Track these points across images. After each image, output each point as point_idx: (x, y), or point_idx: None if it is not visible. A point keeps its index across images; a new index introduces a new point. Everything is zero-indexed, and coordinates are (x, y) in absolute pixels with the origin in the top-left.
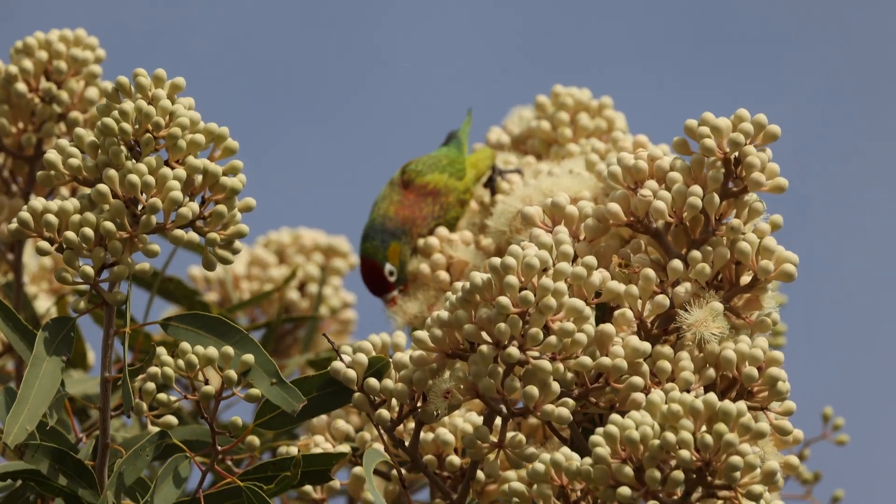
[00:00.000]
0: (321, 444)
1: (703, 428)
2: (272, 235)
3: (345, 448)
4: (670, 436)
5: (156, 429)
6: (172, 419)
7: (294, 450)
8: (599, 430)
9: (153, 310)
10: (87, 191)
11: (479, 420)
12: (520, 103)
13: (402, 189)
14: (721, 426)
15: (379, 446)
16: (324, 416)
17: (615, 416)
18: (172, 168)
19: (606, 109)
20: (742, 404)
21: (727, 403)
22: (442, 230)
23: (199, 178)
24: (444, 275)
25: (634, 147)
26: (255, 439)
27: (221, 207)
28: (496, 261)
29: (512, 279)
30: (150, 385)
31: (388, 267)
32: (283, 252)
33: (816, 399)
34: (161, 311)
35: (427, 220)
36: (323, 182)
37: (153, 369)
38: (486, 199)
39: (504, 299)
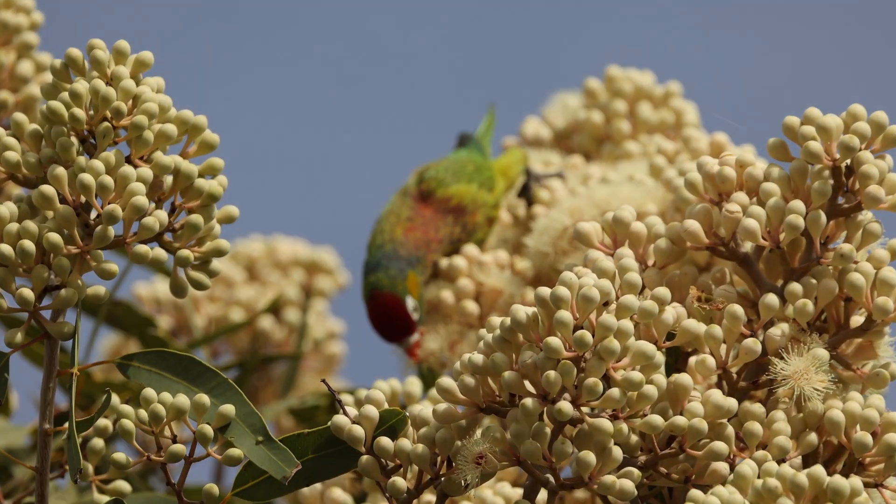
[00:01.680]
0: None
1: None
2: (240, 245)
3: None
4: None
5: (103, 497)
6: (125, 485)
7: None
8: None
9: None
10: (28, 193)
11: (516, 493)
12: (565, 87)
13: (416, 202)
14: None
15: None
16: (318, 485)
17: (695, 493)
18: (136, 166)
19: (674, 98)
20: (857, 480)
21: (838, 479)
22: (471, 249)
23: (168, 179)
24: (471, 305)
25: (712, 148)
26: None
27: (196, 217)
28: (545, 291)
29: (565, 315)
30: (98, 441)
31: (411, 302)
32: (254, 267)
33: None
34: (101, 342)
35: (443, 244)
36: (306, 181)
37: (103, 421)
38: (521, 212)
39: (554, 341)
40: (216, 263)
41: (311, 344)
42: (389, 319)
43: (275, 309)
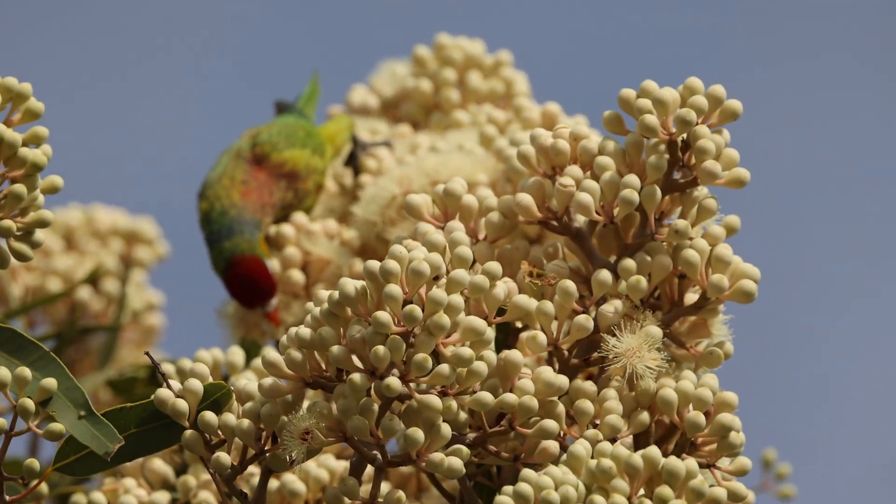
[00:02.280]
0: (132, 491)
1: (642, 491)
2: (58, 214)
3: (163, 497)
4: (600, 500)
5: None
6: None
7: (98, 498)
8: (507, 488)
9: None
10: None
11: (339, 466)
12: (392, 55)
13: (251, 165)
14: (665, 490)
15: (210, 498)
16: None
17: (528, 473)
18: None
19: (504, 68)
20: (692, 462)
21: (674, 461)
22: (300, 217)
23: None
24: (297, 275)
25: (543, 118)
26: (43, 486)
27: (19, 187)
28: (374, 265)
29: (394, 289)
30: None
31: (270, 264)
32: (72, 236)
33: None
34: None
35: (275, 209)
36: (125, 145)
37: None
38: (348, 181)
39: (383, 315)
40: (39, 234)
41: (129, 315)
42: (254, 284)
43: (93, 279)
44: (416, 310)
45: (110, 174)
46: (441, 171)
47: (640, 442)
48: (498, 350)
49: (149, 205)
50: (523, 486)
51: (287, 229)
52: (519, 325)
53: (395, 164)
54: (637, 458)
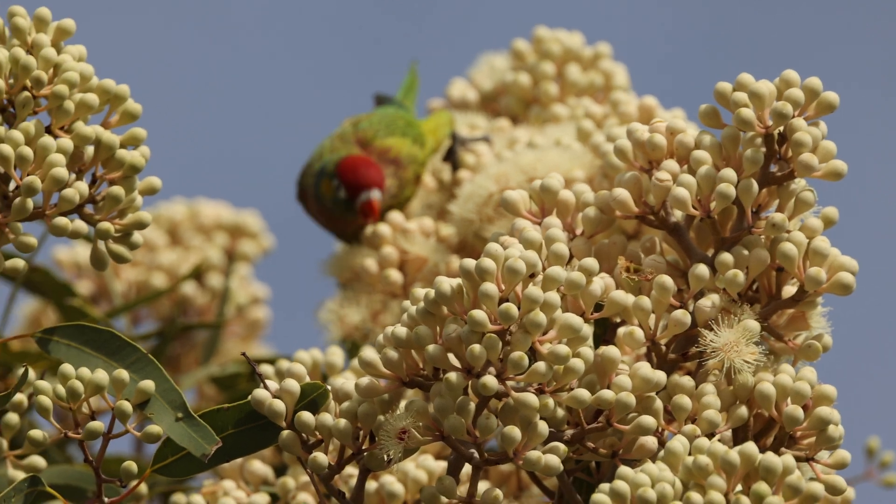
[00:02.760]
0: (231, 493)
1: (739, 487)
2: (162, 209)
3: (262, 499)
4: (696, 497)
5: (18, 473)
6: (40, 460)
7: (198, 500)
8: (604, 486)
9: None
10: None
11: (437, 466)
12: (492, 49)
13: (358, 146)
14: (762, 486)
15: (309, 499)
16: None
17: (625, 470)
18: (56, 137)
19: (603, 60)
20: (789, 458)
21: (771, 457)
22: (395, 215)
23: (89, 150)
24: (395, 274)
25: (640, 112)
26: (142, 486)
27: (117, 189)
28: (470, 263)
29: (490, 287)
30: (12, 416)
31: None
32: (176, 231)
33: (856, 426)
34: (19, 308)
35: (387, 195)
36: (230, 143)
37: (19, 396)
38: (446, 177)
39: (479, 313)
40: (137, 236)
41: (234, 309)
42: (363, 165)
43: (197, 275)
44: (511, 308)
45: (215, 168)
46: (538, 168)
47: (738, 436)
48: (596, 345)
49: (253, 198)
50: (620, 484)
51: (383, 228)
52: (617, 320)
53: (492, 159)
54: (734, 454)
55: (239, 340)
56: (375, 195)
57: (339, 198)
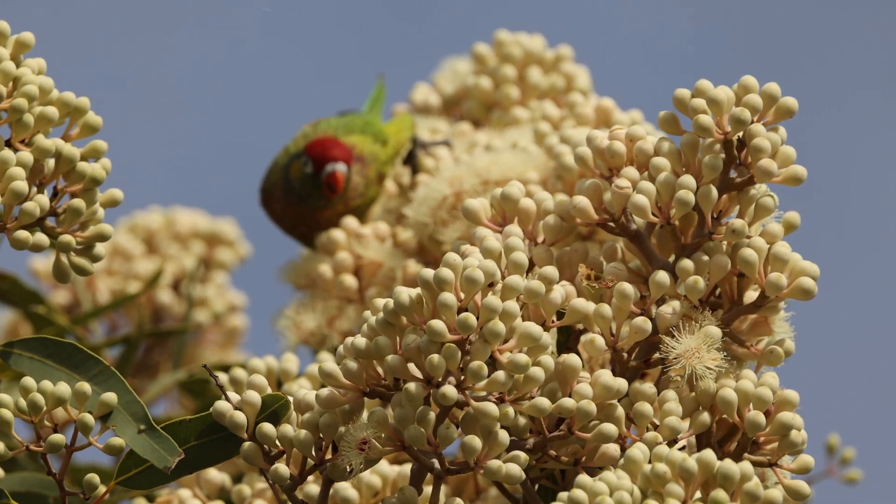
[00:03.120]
0: (188, 502)
1: (697, 495)
2: (139, 218)
3: None
4: None
5: None
6: None
7: None
8: (563, 495)
9: None
10: None
11: (392, 471)
12: (454, 53)
13: None
14: (720, 494)
15: None
16: None
17: (583, 479)
18: (16, 150)
19: (565, 63)
20: (747, 465)
21: (728, 464)
22: (349, 221)
23: (50, 163)
24: (350, 280)
25: (597, 114)
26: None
27: (78, 202)
28: (428, 273)
29: (448, 297)
30: None
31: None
32: (153, 239)
33: (816, 423)
34: None
35: (355, 194)
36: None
37: None
38: (406, 180)
39: (438, 324)
40: (99, 248)
41: (211, 317)
42: (332, 142)
43: (176, 282)
44: (470, 318)
45: (189, 177)
46: (492, 170)
47: (702, 443)
48: (560, 353)
49: (228, 206)
50: (577, 493)
51: (338, 234)
52: (580, 327)
53: (452, 163)
54: (691, 461)
55: (217, 348)
56: (341, 167)
57: (306, 173)
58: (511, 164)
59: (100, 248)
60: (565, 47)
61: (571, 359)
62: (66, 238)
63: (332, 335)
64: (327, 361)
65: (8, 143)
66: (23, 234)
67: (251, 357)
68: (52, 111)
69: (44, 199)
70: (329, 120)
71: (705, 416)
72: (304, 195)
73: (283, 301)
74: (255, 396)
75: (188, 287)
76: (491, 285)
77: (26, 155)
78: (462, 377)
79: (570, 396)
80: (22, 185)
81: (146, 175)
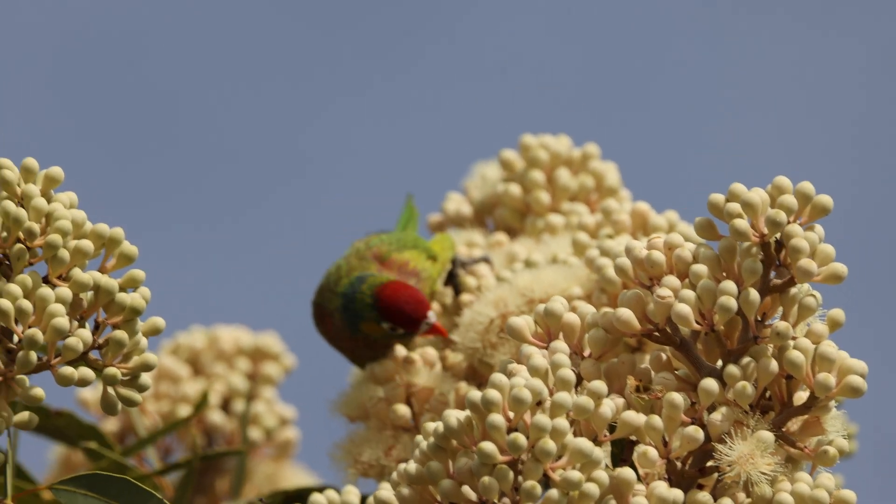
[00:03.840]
0: None
1: None
2: (181, 338)
3: None
4: None
5: None
6: None
7: None
8: None
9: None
10: None
11: None
12: (482, 157)
13: (376, 262)
14: None
15: None
16: None
17: None
18: (54, 286)
19: (592, 161)
20: None
21: None
22: (398, 349)
23: (89, 296)
24: (403, 409)
25: (634, 219)
26: None
27: (121, 334)
28: (475, 395)
29: (497, 419)
30: None
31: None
32: (198, 360)
33: None
34: (47, 451)
35: None
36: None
37: None
38: (448, 300)
39: (488, 445)
40: (145, 377)
41: (262, 433)
42: (405, 295)
43: (224, 402)
44: (520, 438)
45: (228, 295)
46: (535, 288)
47: None
48: (614, 465)
49: (271, 319)
50: None
51: (387, 364)
52: (633, 438)
53: (492, 282)
54: None
55: (271, 462)
56: (432, 317)
57: (397, 334)
58: (553, 280)
59: (145, 377)
60: (592, 145)
61: (625, 472)
62: (112, 371)
63: (391, 465)
64: (384, 490)
65: (45, 280)
66: (68, 370)
67: (305, 471)
68: (88, 244)
69: (86, 333)
70: (380, 235)
71: None
72: (375, 342)
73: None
74: None
75: (240, 406)
76: (539, 403)
77: (65, 290)
78: (516, 497)
79: None
80: (63, 321)
81: (186, 294)
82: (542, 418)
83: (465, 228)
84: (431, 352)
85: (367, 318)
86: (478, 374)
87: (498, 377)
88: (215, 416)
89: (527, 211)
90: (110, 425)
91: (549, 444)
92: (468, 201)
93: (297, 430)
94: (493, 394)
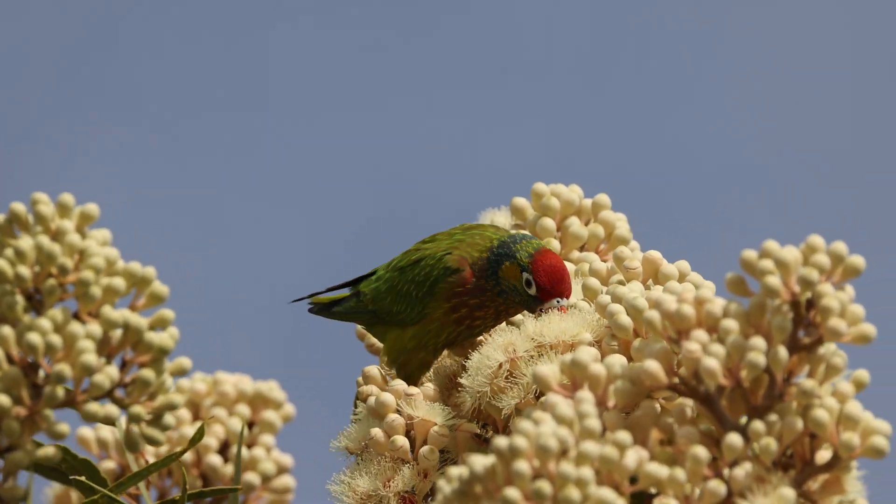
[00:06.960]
0: None
1: None
2: (183, 384)
3: None
4: None
5: None
6: None
7: None
8: None
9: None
10: None
11: None
12: (491, 205)
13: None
14: None
15: None
16: None
17: None
18: (84, 322)
19: (603, 211)
20: None
21: None
22: (397, 383)
23: (117, 334)
24: (401, 440)
25: (646, 266)
26: None
27: (148, 373)
28: (502, 442)
29: (522, 466)
30: None
31: None
32: (199, 405)
33: None
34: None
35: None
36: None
37: None
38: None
39: (513, 492)
40: (168, 417)
41: (258, 478)
42: (566, 272)
43: (223, 446)
44: (545, 486)
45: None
46: (545, 333)
47: None
48: None
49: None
50: None
51: (386, 397)
52: (653, 490)
53: (504, 327)
54: None
55: None
56: (564, 303)
57: (524, 291)
58: (564, 325)
59: (168, 417)
60: (602, 196)
61: None
62: (137, 409)
63: (389, 496)
64: None
65: (76, 316)
66: (94, 406)
67: None
68: (119, 283)
69: (113, 370)
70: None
71: None
72: (510, 301)
73: (327, 462)
74: None
75: (236, 448)
76: (564, 453)
77: (94, 328)
78: None
79: None
80: (91, 358)
81: (189, 341)
82: (568, 467)
83: None
84: (431, 387)
85: (516, 261)
86: (483, 416)
87: (525, 425)
88: (213, 459)
89: None
90: (108, 465)
91: (574, 494)
92: None
93: (294, 479)
94: (519, 441)
